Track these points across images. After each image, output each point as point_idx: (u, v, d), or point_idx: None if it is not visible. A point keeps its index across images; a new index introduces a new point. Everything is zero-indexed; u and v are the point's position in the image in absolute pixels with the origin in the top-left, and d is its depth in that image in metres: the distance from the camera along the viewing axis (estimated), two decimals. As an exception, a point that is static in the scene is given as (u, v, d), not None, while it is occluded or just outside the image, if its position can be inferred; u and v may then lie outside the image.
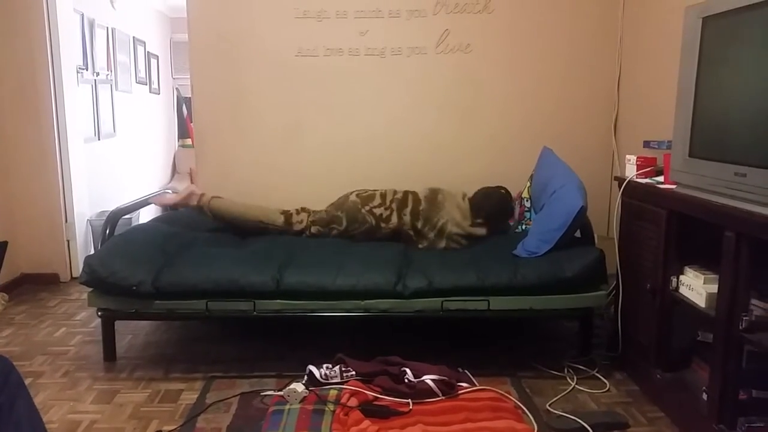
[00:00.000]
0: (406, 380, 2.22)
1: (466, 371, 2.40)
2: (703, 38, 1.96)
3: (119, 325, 2.73)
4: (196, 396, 2.31)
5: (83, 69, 4.29)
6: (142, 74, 5.59)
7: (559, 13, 3.40)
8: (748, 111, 1.79)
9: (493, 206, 3.01)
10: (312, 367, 2.31)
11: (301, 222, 3.05)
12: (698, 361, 2.14)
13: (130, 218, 4.16)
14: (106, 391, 2.38)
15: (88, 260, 2.51)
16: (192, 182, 6.11)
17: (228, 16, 3.41)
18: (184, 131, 6.61)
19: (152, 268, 2.50)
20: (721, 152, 1.88)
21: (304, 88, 3.46)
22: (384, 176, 3.47)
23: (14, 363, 1.53)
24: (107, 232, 2.76)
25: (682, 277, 2.11)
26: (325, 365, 2.32)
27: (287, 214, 3.06)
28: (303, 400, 2.17)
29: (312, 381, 2.27)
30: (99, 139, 4.59)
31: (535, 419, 2.11)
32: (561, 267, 2.45)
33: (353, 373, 2.30)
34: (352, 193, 3.07)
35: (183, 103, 6.51)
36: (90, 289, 2.53)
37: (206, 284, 2.45)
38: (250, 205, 3.13)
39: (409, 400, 2.15)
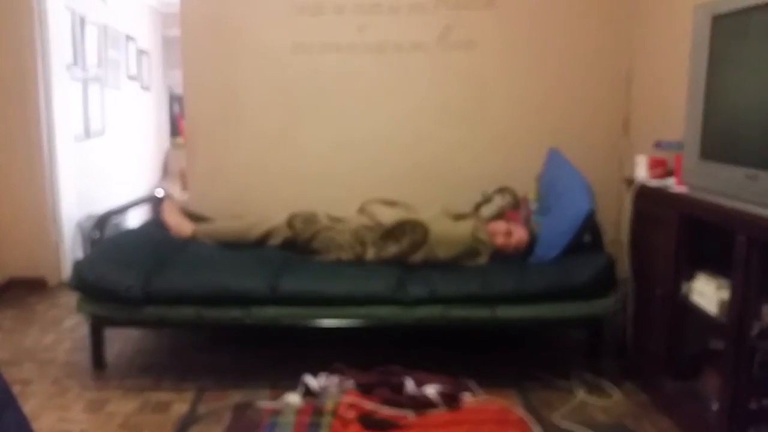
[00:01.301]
0: (406, 391, 2.17)
1: (469, 381, 2.34)
2: (713, 37, 1.95)
3: (109, 332, 2.70)
4: (187, 406, 2.28)
5: (73, 66, 4.22)
6: (133, 71, 5.52)
7: (566, 9, 3.34)
8: (759, 112, 1.78)
9: None
10: (308, 378, 2.26)
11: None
12: (709, 369, 2.10)
13: (120, 221, 4.10)
14: (96, 400, 2.35)
15: (76, 265, 2.49)
16: (183, 185, 6.05)
17: (221, 11, 3.35)
18: (175, 129, 6.55)
19: (142, 273, 2.47)
20: (732, 154, 1.87)
21: (299, 84, 3.41)
22: (383, 177, 3.43)
23: (2, 370, 1.49)
24: (97, 235, 2.73)
25: (693, 283, 2.08)
26: (321, 375, 2.27)
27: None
28: (299, 411, 2.12)
29: (308, 392, 2.23)
30: (89, 138, 4.53)
31: (542, 432, 2.07)
32: (570, 274, 2.42)
33: (351, 383, 2.24)
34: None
35: (175, 100, 6.44)
36: (79, 294, 2.49)
37: (198, 290, 2.42)
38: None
39: (410, 412, 2.09)
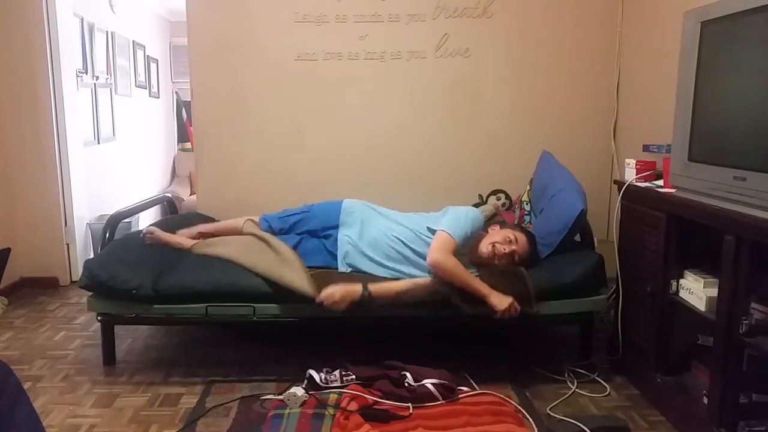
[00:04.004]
0: (406, 384, 2.22)
1: (466, 375, 2.40)
2: (701, 42, 1.97)
3: (119, 328, 2.72)
4: (195, 400, 2.30)
5: (83, 73, 4.29)
6: (141, 78, 5.59)
7: (558, 17, 3.41)
8: (748, 115, 1.80)
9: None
10: (312, 371, 2.31)
11: None
12: (698, 364, 2.14)
13: (130, 222, 4.15)
14: (106, 395, 2.38)
15: (87, 264, 2.49)
16: (191, 188, 6.13)
17: (228, 20, 3.41)
18: (183, 135, 6.61)
19: (152, 272, 2.49)
20: (720, 156, 1.88)
21: (303, 92, 3.47)
22: (383, 179, 3.50)
23: (13, 367, 1.53)
24: (107, 235, 2.75)
25: (682, 281, 2.11)
26: (325, 369, 2.33)
27: None
28: (303, 404, 2.17)
29: (312, 385, 2.28)
30: (99, 143, 4.60)
31: (535, 423, 2.11)
32: (561, 273, 2.44)
33: (353, 377, 2.30)
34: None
35: (182, 107, 6.51)
36: (90, 293, 2.51)
37: (207, 286, 2.44)
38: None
39: (410, 404, 2.15)
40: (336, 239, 2.65)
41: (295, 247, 2.63)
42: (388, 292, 2.40)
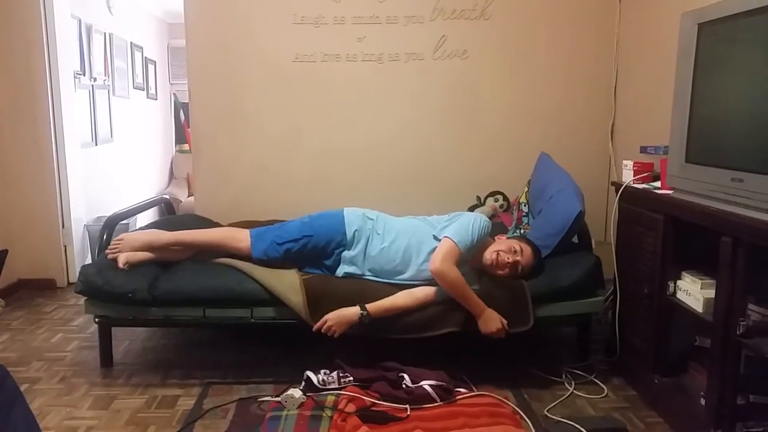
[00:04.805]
0: (403, 386, 2.22)
1: (464, 377, 2.40)
2: (699, 44, 1.97)
3: (116, 330, 2.71)
4: (193, 402, 2.30)
5: (80, 74, 4.29)
6: (139, 80, 5.59)
7: (556, 19, 3.42)
8: (745, 116, 1.80)
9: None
10: (310, 373, 2.31)
11: None
12: (696, 366, 2.14)
13: (127, 224, 4.14)
14: (103, 397, 2.37)
15: (83, 270, 2.47)
16: (189, 190, 6.13)
17: (226, 22, 3.42)
18: (181, 137, 6.62)
19: (148, 276, 2.47)
20: (717, 158, 1.89)
21: (301, 93, 3.47)
22: (381, 181, 3.51)
23: (10, 369, 1.52)
24: (104, 237, 2.73)
25: (679, 282, 2.11)
26: (322, 371, 2.33)
27: None
28: (300, 405, 2.17)
29: (309, 387, 2.27)
30: (96, 145, 4.59)
31: (533, 425, 2.11)
32: (558, 275, 2.44)
33: (351, 378, 2.30)
34: None
35: (180, 108, 6.51)
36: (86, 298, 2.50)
37: (203, 293, 2.43)
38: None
39: (407, 406, 2.15)
40: (338, 258, 2.56)
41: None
42: (387, 311, 2.38)
